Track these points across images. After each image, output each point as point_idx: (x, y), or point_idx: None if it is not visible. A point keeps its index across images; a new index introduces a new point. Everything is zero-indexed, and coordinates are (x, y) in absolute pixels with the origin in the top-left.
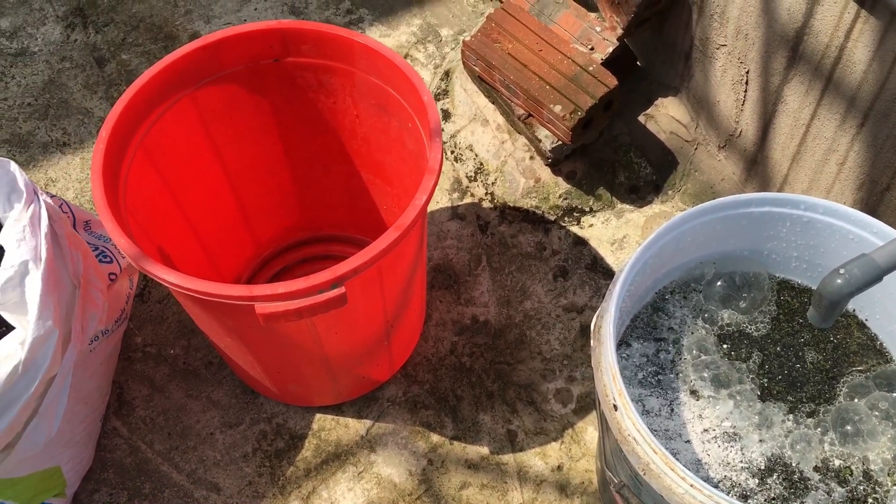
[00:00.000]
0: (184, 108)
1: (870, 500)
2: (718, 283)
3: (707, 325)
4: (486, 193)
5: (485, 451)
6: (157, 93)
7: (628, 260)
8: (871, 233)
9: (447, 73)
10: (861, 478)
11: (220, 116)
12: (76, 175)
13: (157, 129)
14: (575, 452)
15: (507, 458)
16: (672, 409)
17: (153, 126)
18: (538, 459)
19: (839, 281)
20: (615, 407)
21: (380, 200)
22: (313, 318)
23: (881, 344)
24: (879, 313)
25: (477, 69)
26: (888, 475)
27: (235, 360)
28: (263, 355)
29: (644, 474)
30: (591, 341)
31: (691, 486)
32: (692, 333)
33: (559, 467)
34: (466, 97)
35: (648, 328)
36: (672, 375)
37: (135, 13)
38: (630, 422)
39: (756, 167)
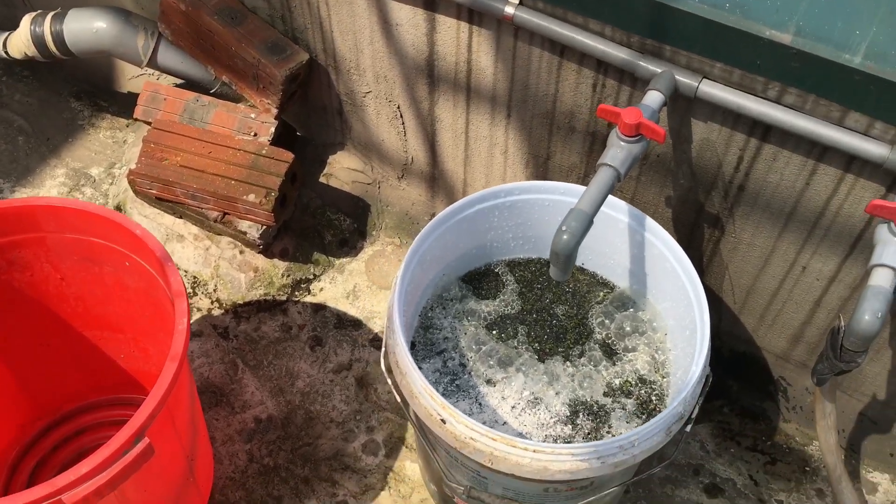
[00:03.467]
0: None
1: (653, 398)
2: (463, 285)
3: (473, 322)
4: (213, 302)
5: None
6: None
7: (392, 297)
8: (559, 193)
9: (119, 208)
10: (639, 384)
11: None
12: None
13: None
14: (404, 490)
15: None
16: (480, 404)
17: None
18: None
19: (565, 237)
20: (443, 421)
21: (115, 352)
22: (124, 484)
23: (602, 277)
24: (589, 254)
25: (154, 191)
26: (656, 372)
27: None
28: None
29: (491, 464)
30: (393, 378)
31: (535, 451)
32: (465, 333)
33: None
34: (150, 222)
35: (428, 347)
36: (466, 376)
37: None
38: (463, 426)
39: (437, 182)
